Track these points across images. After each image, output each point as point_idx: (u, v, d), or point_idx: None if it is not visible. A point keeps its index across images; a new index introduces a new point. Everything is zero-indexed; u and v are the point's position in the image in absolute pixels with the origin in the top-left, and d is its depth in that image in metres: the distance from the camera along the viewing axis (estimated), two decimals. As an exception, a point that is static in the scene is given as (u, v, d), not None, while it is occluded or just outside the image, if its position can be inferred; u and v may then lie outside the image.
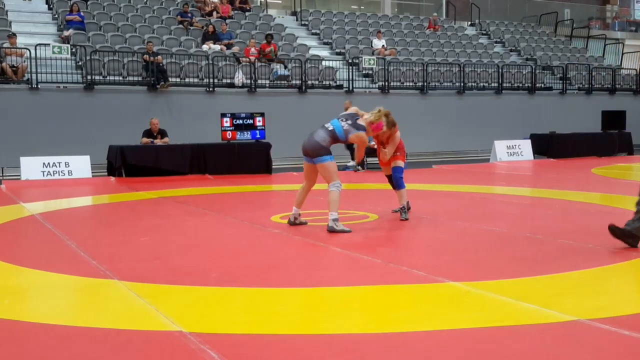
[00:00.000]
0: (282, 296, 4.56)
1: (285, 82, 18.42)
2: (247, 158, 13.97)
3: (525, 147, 17.71)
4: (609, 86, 23.81)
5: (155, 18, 19.51)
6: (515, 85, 22.08)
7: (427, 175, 13.84)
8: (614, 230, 5.78)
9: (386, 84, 19.65)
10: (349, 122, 7.01)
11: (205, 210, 8.90)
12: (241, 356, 3.40)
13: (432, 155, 19.02)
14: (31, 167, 12.70)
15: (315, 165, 7.03)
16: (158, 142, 13.69)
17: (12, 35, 15.66)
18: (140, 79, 16.53)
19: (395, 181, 7.81)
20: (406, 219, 7.67)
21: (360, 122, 7.03)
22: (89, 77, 15.83)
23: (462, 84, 20.87)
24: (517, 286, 4.65)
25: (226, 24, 19.65)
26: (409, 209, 7.89)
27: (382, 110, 7.16)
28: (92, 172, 13.26)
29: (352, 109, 7.33)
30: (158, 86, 16.35)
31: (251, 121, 14.15)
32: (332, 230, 6.82)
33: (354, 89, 19.17)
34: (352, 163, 14.58)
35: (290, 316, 4.07)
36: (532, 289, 4.58)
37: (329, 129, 6.99)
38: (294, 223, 7.30)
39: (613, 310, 4.07)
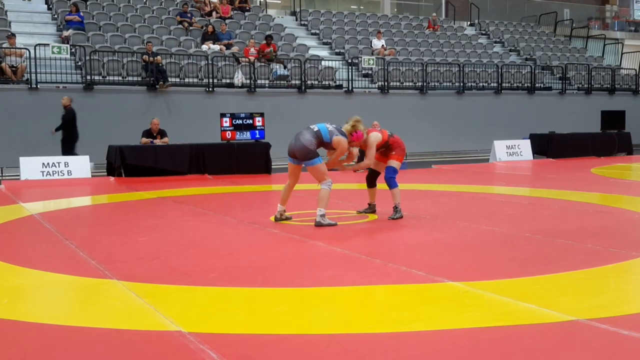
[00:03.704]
0: (281, 296, 4.56)
1: (285, 82, 18.43)
2: (246, 158, 13.96)
3: (524, 147, 17.71)
4: (609, 86, 23.83)
5: (154, 18, 19.51)
6: (515, 85, 22.09)
7: (426, 175, 13.85)
8: None
9: (385, 84, 19.66)
10: (335, 126, 7.28)
11: (205, 210, 8.90)
12: (241, 356, 3.40)
13: (432, 155, 19.03)
14: (31, 167, 12.69)
15: (300, 166, 7.34)
16: (157, 142, 13.69)
17: (12, 36, 15.67)
18: (139, 79, 16.54)
19: (386, 182, 7.78)
20: (393, 219, 7.66)
21: (343, 129, 7.33)
22: (88, 77, 15.84)
23: (461, 84, 20.88)
24: (516, 286, 4.65)
25: (225, 24, 19.65)
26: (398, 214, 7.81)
27: (356, 118, 7.37)
28: (92, 172, 13.26)
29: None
30: (157, 86, 16.35)
31: (250, 121, 14.15)
32: (319, 225, 7.15)
33: (354, 89, 19.19)
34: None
35: (290, 316, 4.07)
36: (531, 289, 4.58)
37: (314, 130, 7.21)
38: (280, 219, 7.55)
39: (612, 310, 4.07)
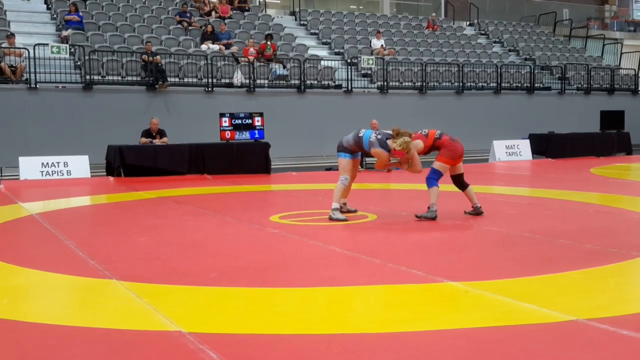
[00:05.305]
0: (281, 296, 4.56)
1: (284, 82, 18.42)
2: (245, 158, 13.96)
3: (524, 147, 17.72)
4: (608, 86, 23.84)
5: (154, 18, 19.50)
6: (514, 85, 22.09)
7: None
8: None
9: (385, 83, 19.65)
10: (379, 136, 7.47)
11: (204, 210, 8.90)
12: (240, 356, 3.40)
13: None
14: (30, 167, 12.68)
15: (352, 160, 7.78)
16: (157, 142, 13.68)
17: (11, 35, 15.65)
18: (139, 78, 16.53)
19: (425, 180, 7.84)
20: (419, 217, 7.67)
21: (390, 142, 7.40)
22: (87, 77, 15.83)
23: (460, 84, 20.88)
24: (516, 286, 4.65)
25: (225, 24, 19.65)
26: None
27: (407, 139, 7.35)
28: (91, 172, 13.25)
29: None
30: (157, 86, 16.34)
31: (250, 121, 14.15)
32: (330, 218, 7.59)
33: (353, 89, 19.18)
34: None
35: (290, 316, 4.07)
36: (531, 289, 4.58)
37: (359, 135, 7.59)
38: (341, 211, 7.95)
39: (612, 310, 4.07)
